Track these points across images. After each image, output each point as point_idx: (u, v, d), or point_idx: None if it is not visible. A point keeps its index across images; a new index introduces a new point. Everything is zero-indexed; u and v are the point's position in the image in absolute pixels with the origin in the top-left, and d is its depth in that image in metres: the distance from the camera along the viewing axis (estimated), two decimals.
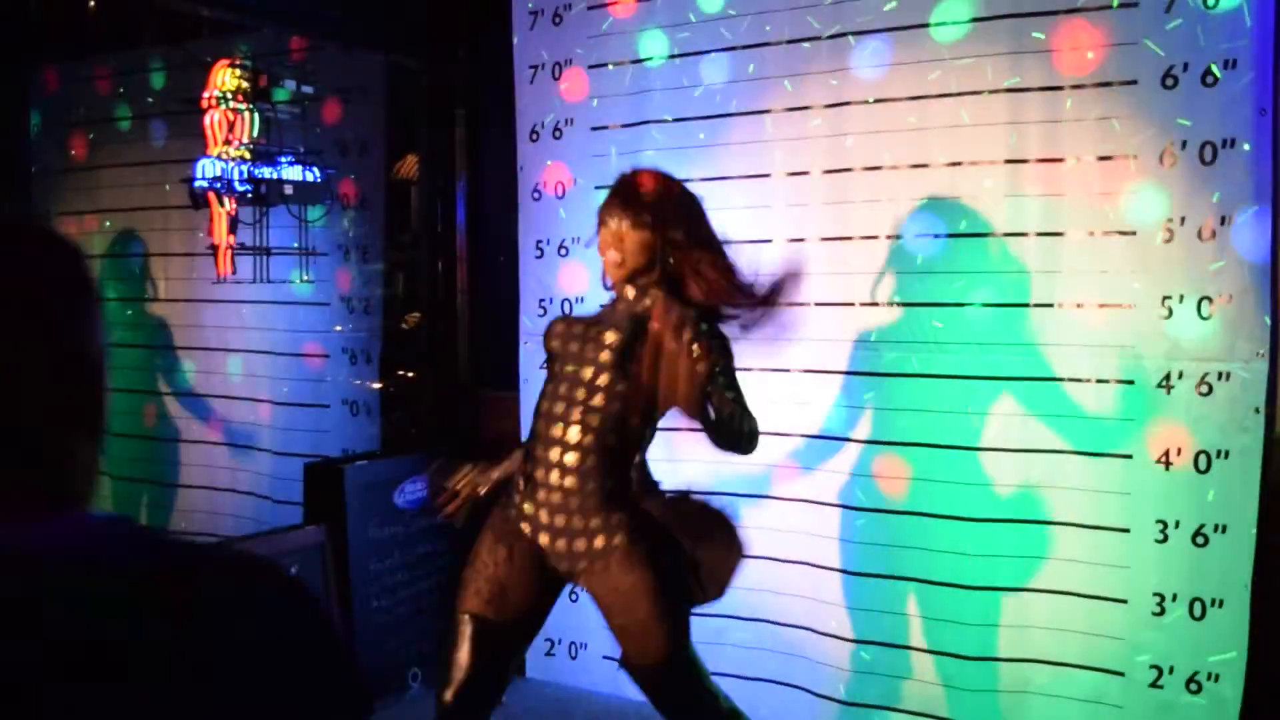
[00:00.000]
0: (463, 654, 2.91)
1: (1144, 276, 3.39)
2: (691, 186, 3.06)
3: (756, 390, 3.85)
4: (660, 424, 2.92)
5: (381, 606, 4.36)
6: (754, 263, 3.01)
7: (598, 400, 2.83)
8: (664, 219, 2.87)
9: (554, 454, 2.86)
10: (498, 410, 4.61)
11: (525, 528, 2.92)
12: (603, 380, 2.84)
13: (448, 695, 2.93)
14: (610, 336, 2.87)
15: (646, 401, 2.80)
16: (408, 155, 4.89)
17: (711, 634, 4.14)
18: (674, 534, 2.87)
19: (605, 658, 4.06)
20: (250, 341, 5.35)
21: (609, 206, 2.91)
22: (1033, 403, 3.57)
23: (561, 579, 2.95)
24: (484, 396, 4.75)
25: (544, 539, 2.89)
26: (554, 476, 2.85)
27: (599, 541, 2.83)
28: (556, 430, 2.86)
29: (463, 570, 3.00)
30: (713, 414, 2.67)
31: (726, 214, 3.98)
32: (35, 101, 5.86)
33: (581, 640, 4.39)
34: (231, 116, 4.50)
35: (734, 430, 2.72)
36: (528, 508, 2.91)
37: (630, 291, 2.92)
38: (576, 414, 2.84)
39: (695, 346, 2.70)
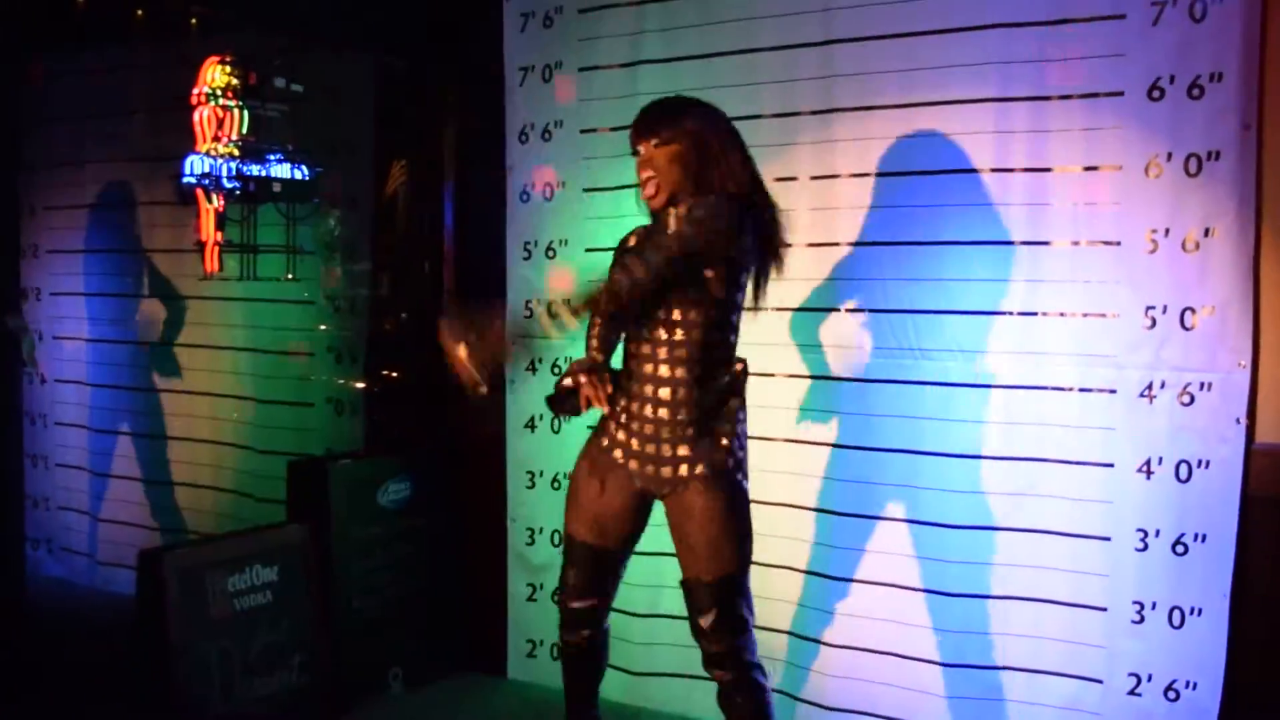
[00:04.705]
0: (573, 573, 3.25)
1: (1128, 286, 3.41)
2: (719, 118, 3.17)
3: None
4: None
5: (363, 606, 4.35)
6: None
7: (679, 334, 2.98)
8: (688, 128, 3.01)
9: (648, 389, 3.04)
10: (483, 411, 4.61)
11: (618, 455, 3.14)
12: (676, 314, 2.97)
13: (568, 603, 3.27)
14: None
15: (715, 314, 2.99)
16: (393, 169, 4.89)
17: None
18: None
19: None
20: (235, 339, 5.34)
21: (632, 135, 3.08)
22: (1015, 411, 3.58)
23: (651, 497, 3.18)
24: (469, 397, 4.74)
25: (634, 465, 3.11)
26: (648, 410, 3.05)
27: (684, 469, 3.04)
28: (648, 368, 3.03)
29: (568, 494, 3.28)
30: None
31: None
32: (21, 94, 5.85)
33: None
34: (221, 113, 4.50)
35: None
36: (621, 436, 3.13)
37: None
38: (664, 351, 3.00)
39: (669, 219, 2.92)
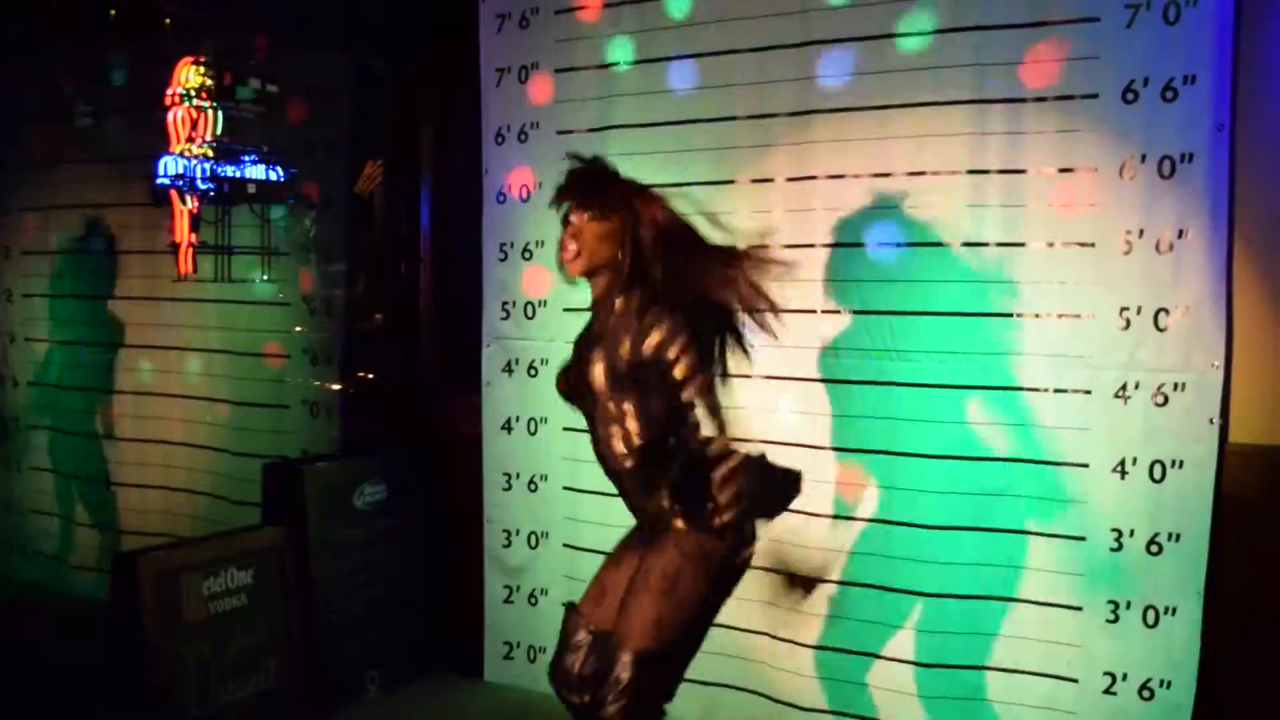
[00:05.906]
0: (560, 639, 3.07)
1: (1102, 288, 3.42)
2: (655, 191, 3.06)
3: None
4: None
5: (339, 609, 4.34)
6: None
7: (605, 429, 2.92)
8: (623, 212, 2.90)
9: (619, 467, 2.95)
10: (459, 413, 4.60)
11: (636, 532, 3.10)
12: (599, 411, 2.91)
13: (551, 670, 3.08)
14: (598, 369, 2.87)
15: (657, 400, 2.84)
16: (366, 169, 4.87)
17: None
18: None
19: None
20: (210, 341, 5.31)
21: (563, 197, 2.96)
22: (991, 411, 3.60)
23: None
24: (446, 399, 4.74)
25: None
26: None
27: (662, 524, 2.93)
28: (604, 462, 3.00)
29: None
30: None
31: (690, 219, 4.02)
32: None
33: (540, 644, 4.38)
34: (195, 114, 4.47)
35: None
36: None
37: (618, 301, 2.90)
38: (603, 445, 2.95)
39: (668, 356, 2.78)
